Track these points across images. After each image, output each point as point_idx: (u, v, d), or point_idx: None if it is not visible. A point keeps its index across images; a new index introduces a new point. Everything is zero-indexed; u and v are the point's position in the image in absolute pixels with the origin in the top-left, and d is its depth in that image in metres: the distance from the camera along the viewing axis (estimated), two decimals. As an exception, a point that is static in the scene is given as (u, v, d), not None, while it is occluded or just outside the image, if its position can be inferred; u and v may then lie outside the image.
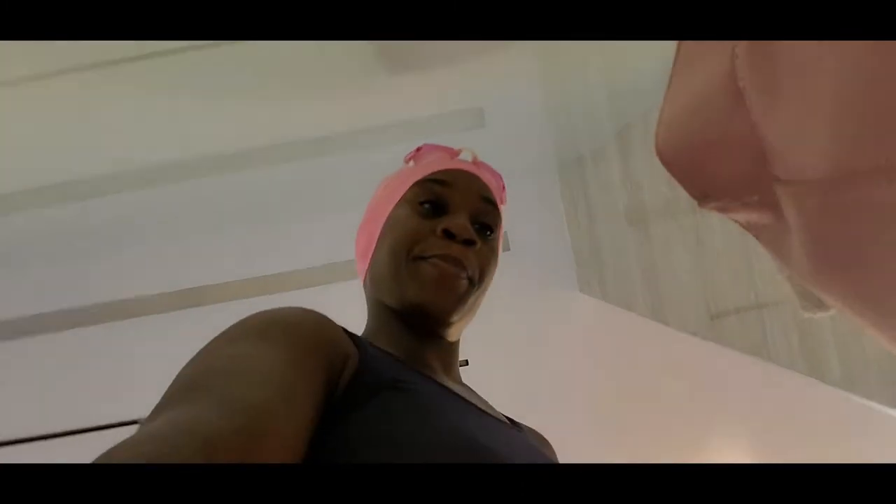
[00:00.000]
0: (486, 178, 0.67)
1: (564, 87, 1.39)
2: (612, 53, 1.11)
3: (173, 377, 0.46)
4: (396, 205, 0.63)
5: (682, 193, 0.34)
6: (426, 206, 0.62)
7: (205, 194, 1.71)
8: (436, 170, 0.65)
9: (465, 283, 0.59)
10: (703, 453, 1.99)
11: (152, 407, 0.45)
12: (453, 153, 0.69)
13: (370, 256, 0.64)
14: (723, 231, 1.18)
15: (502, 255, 0.69)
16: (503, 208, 0.70)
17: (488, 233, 0.64)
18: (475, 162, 0.70)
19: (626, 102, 1.46)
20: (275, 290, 2.30)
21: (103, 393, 2.22)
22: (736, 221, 0.31)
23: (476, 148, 1.71)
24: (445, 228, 0.58)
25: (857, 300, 0.27)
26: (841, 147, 0.20)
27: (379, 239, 0.63)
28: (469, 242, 0.59)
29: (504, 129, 1.61)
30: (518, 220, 2.34)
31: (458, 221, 0.59)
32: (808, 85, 0.21)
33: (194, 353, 0.46)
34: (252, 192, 1.83)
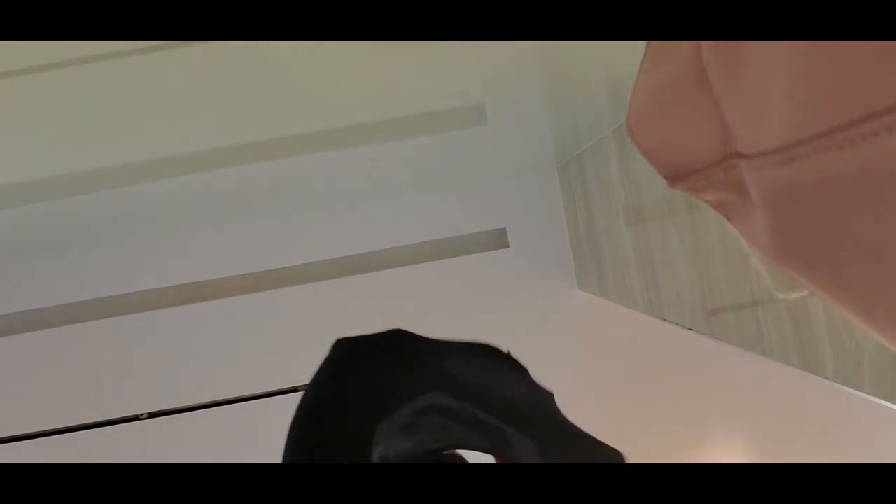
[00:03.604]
0: None
1: (566, 85, 1.39)
2: (613, 52, 1.11)
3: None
4: None
5: (681, 192, 0.35)
6: None
7: (204, 189, 1.71)
8: None
9: None
10: (701, 445, 1.99)
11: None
12: None
13: None
14: (719, 228, 1.18)
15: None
16: None
17: None
18: None
19: (625, 100, 1.46)
20: (277, 286, 2.30)
21: (104, 390, 2.23)
22: (706, 201, 0.31)
23: (477, 144, 1.73)
24: None
25: (822, 279, 0.27)
26: (796, 112, 0.20)
27: None
28: None
29: (505, 125, 1.61)
30: (517, 217, 2.34)
31: None
32: (766, 50, 0.21)
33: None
34: (252, 188, 1.83)
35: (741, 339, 1.16)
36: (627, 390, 2.12)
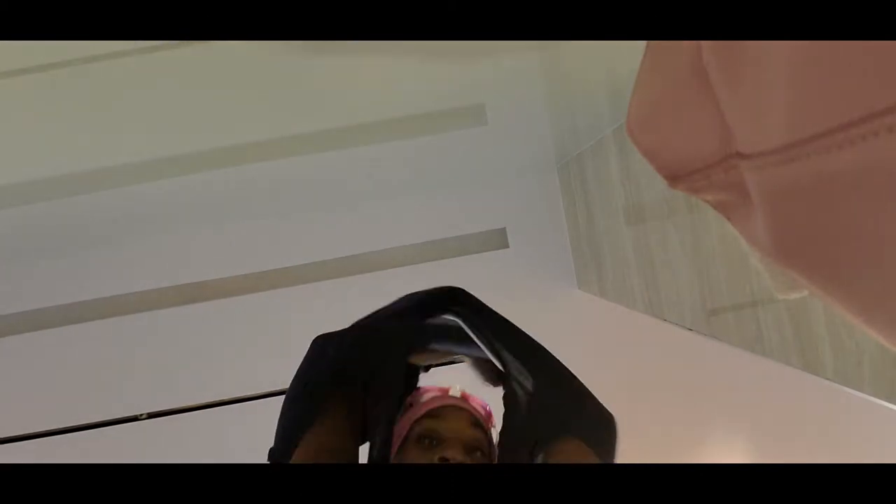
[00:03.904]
0: (474, 408, 0.81)
1: (566, 85, 1.39)
2: (613, 52, 1.10)
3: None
4: (400, 445, 0.77)
5: (681, 192, 0.35)
6: (425, 441, 0.76)
7: (204, 189, 1.71)
8: (430, 407, 0.79)
9: None
10: (701, 445, 1.99)
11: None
12: (444, 391, 0.83)
13: None
14: (719, 228, 1.18)
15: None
16: (492, 431, 0.84)
17: (478, 454, 0.78)
18: (463, 396, 0.84)
19: (625, 100, 1.45)
20: (277, 286, 2.30)
21: (104, 390, 2.23)
22: (706, 201, 0.31)
23: (477, 144, 1.72)
24: (441, 457, 0.72)
25: (822, 279, 0.27)
26: (796, 112, 0.20)
27: None
28: None
29: (505, 125, 1.61)
30: (517, 217, 2.34)
31: (452, 451, 0.73)
32: (765, 50, 0.21)
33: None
34: (252, 188, 1.83)
35: (741, 339, 1.16)
36: (627, 390, 2.11)
